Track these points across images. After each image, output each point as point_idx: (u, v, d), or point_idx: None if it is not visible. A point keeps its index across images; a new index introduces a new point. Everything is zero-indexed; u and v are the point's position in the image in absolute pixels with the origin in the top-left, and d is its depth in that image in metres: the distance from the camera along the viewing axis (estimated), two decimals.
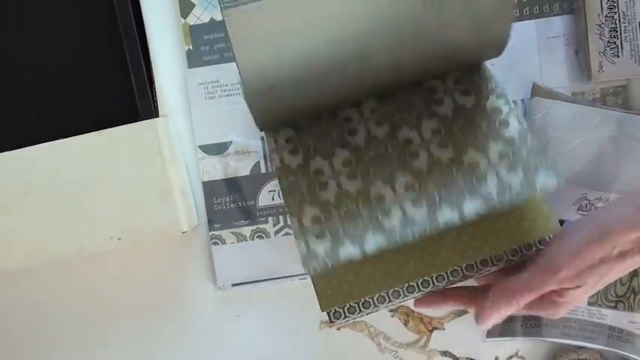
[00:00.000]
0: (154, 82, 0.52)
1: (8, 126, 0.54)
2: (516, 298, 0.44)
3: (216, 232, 0.55)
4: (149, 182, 0.51)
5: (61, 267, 0.55)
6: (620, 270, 0.43)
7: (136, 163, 0.50)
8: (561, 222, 0.52)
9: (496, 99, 0.45)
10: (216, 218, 0.55)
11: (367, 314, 0.48)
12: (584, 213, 0.52)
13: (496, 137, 0.43)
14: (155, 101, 0.52)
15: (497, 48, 0.45)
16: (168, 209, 0.51)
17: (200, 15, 0.54)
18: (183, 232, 0.50)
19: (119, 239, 0.51)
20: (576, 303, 0.45)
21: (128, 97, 0.52)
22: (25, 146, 0.51)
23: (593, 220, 0.44)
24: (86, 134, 0.50)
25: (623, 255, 0.42)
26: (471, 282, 0.48)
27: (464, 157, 0.43)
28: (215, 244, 0.55)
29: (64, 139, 0.51)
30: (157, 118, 0.51)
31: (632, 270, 0.44)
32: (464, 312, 0.56)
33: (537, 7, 0.54)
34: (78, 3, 0.53)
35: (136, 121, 0.51)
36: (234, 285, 0.55)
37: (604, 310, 0.53)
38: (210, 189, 0.55)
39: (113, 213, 0.51)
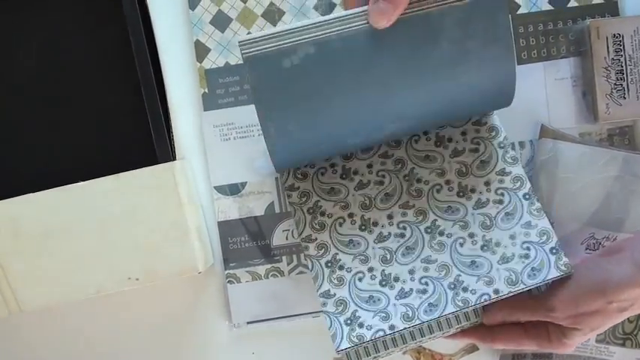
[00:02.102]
0: (171, 126, 0.53)
1: (30, 169, 0.55)
2: (514, 311, 0.49)
3: (231, 271, 0.56)
4: (167, 224, 0.52)
5: (79, 305, 0.56)
6: (619, 319, 0.45)
7: (154, 206, 0.52)
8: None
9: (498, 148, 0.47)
10: (231, 257, 0.56)
11: (382, 356, 0.49)
12: (592, 252, 0.54)
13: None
14: (172, 145, 0.53)
15: (507, 99, 0.47)
16: (185, 250, 0.52)
17: (215, 59, 0.56)
18: (199, 273, 0.51)
19: (137, 279, 0.52)
20: (579, 342, 0.47)
21: (146, 141, 0.53)
22: (45, 189, 0.52)
23: (594, 272, 0.46)
24: (105, 177, 0.51)
25: (621, 310, 0.44)
26: None
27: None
28: (230, 282, 0.56)
29: (83, 182, 0.52)
30: (174, 162, 0.52)
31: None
32: (475, 348, 0.57)
33: (545, 50, 0.56)
34: (99, 51, 0.55)
35: (154, 165, 0.51)
36: (249, 323, 0.56)
37: (612, 348, 0.54)
38: (225, 228, 0.56)
39: (132, 254, 0.52)
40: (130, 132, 0.54)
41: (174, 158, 0.53)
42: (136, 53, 0.52)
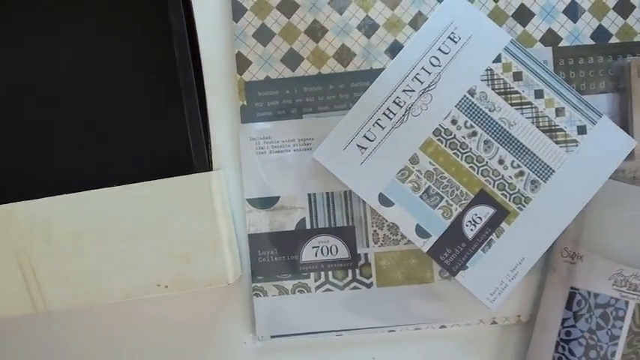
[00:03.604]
0: (209, 137, 0.54)
1: (66, 171, 0.55)
2: None
3: (258, 284, 0.56)
4: (199, 233, 0.52)
5: (103, 309, 0.56)
6: None
7: (188, 214, 0.52)
8: (595, 294, 0.53)
9: None
10: (259, 270, 0.56)
11: None
12: (619, 289, 0.54)
13: None
14: (210, 155, 0.53)
15: None
16: (216, 261, 0.52)
17: (256, 72, 0.56)
18: (230, 284, 0.52)
19: (166, 287, 0.52)
20: None
21: (184, 149, 0.53)
22: (79, 191, 0.52)
23: None
24: (140, 183, 0.51)
25: None
26: None
27: None
28: (257, 295, 0.56)
29: (118, 187, 0.52)
30: (211, 172, 0.52)
31: None
32: None
33: (584, 84, 0.56)
34: (141, 58, 0.55)
35: (190, 174, 0.52)
36: (272, 337, 0.56)
37: None
38: (255, 241, 0.56)
39: (162, 261, 0.52)
40: (168, 140, 0.54)
41: (211, 169, 0.53)
42: (179, 62, 0.52)
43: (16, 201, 0.53)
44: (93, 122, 0.55)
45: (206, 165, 0.53)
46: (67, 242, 0.53)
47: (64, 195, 0.53)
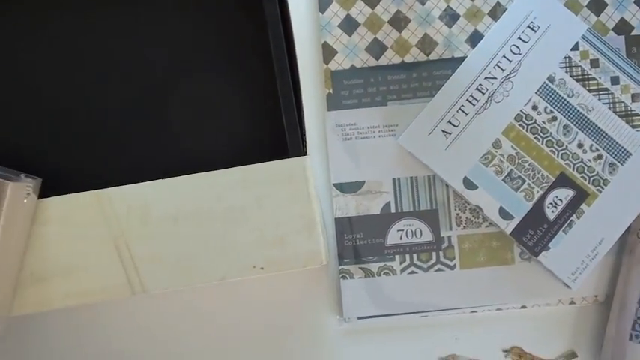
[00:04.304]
0: (303, 122, 0.55)
1: (163, 156, 0.57)
2: None
3: (345, 267, 0.58)
4: (294, 216, 0.53)
5: (192, 290, 0.57)
6: None
7: (283, 198, 0.53)
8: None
9: None
10: (345, 253, 0.58)
11: None
12: None
13: None
14: (304, 140, 0.55)
15: None
16: (311, 242, 0.54)
17: (341, 62, 0.58)
18: (323, 265, 0.53)
19: (262, 268, 0.54)
20: None
21: (278, 135, 0.55)
22: (176, 176, 0.53)
23: None
24: (237, 167, 0.53)
25: None
26: None
27: None
28: (344, 277, 0.58)
29: (215, 171, 0.54)
30: (305, 156, 0.54)
31: None
32: (574, 355, 0.59)
33: None
34: (236, 46, 0.57)
35: (284, 158, 0.53)
36: (359, 318, 0.58)
37: None
38: (341, 225, 0.58)
39: (258, 244, 0.53)
40: (263, 126, 0.56)
41: (305, 153, 0.55)
42: (273, 50, 0.54)
43: (114, 186, 0.54)
44: (189, 109, 0.57)
45: (300, 149, 0.54)
46: (164, 226, 0.54)
47: (161, 180, 0.54)
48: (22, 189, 0.51)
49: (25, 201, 0.51)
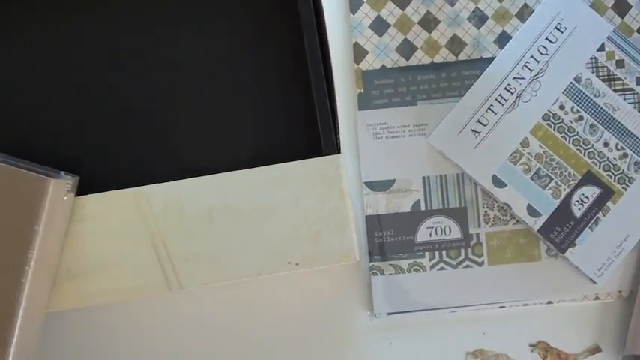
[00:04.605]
0: (337, 120, 0.56)
1: (198, 154, 0.58)
2: None
3: (375, 263, 0.59)
4: (329, 213, 0.55)
5: (226, 286, 0.59)
6: None
7: (317, 195, 0.55)
8: None
9: None
10: (376, 250, 0.59)
11: None
12: None
13: None
14: (338, 138, 0.56)
15: None
16: (345, 239, 0.55)
17: (372, 62, 0.59)
18: (356, 261, 0.54)
19: (297, 264, 0.55)
20: None
21: (312, 134, 0.56)
22: (212, 173, 0.54)
23: None
24: (271, 165, 0.54)
25: None
26: None
27: None
28: (374, 274, 0.59)
29: (249, 169, 0.55)
30: (339, 154, 0.55)
31: None
32: (598, 350, 0.60)
33: None
34: (270, 45, 0.58)
35: (319, 156, 0.54)
36: (389, 313, 0.59)
37: None
38: (372, 222, 0.59)
39: (293, 240, 0.54)
40: (297, 125, 0.57)
41: (339, 151, 0.56)
42: (307, 49, 0.55)
43: (150, 184, 0.55)
44: (225, 108, 0.58)
45: (334, 148, 0.56)
46: (200, 222, 0.55)
47: (197, 178, 0.55)
48: (62, 186, 0.52)
49: (65, 198, 0.52)
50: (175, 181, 0.55)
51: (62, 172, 0.53)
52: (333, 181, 0.55)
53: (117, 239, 0.55)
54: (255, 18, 0.58)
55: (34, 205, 0.50)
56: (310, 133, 0.57)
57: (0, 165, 0.50)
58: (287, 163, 0.55)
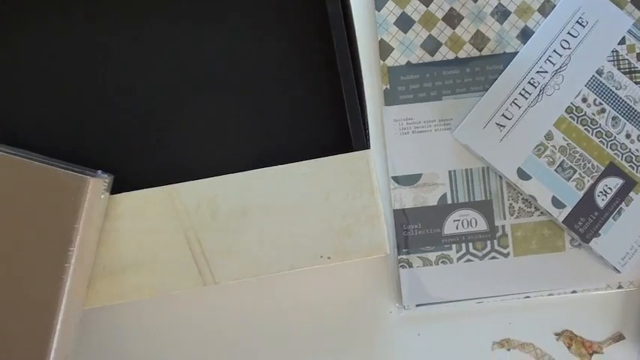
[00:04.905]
0: (366, 116, 0.57)
1: (231, 151, 0.59)
2: None
3: (404, 256, 0.60)
4: (359, 207, 0.56)
5: (260, 280, 0.60)
6: None
7: (348, 190, 0.56)
8: None
9: None
10: (403, 243, 0.60)
11: None
12: None
13: None
14: (367, 134, 0.57)
15: None
16: (375, 233, 0.56)
17: (398, 58, 0.60)
18: (387, 254, 0.55)
19: (329, 258, 0.56)
20: None
21: (342, 129, 0.57)
22: (243, 170, 0.55)
23: None
24: (303, 162, 0.55)
25: None
26: None
27: None
28: (403, 267, 0.60)
29: (282, 165, 0.56)
30: (369, 150, 0.56)
31: None
32: (621, 337, 0.62)
33: None
34: (300, 42, 0.59)
35: (349, 152, 0.55)
36: (418, 305, 0.60)
37: None
38: (399, 216, 0.60)
39: (324, 234, 0.56)
40: (327, 121, 0.58)
41: (368, 147, 0.57)
42: (336, 45, 0.56)
43: (184, 181, 0.56)
44: (255, 105, 0.59)
45: (364, 143, 0.57)
46: (233, 218, 0.56)
47: (230, 175, 0.56)
48: (99, 185, 0.53)
49: (102, 197, 0.53)
50: (209, 179, 0.56)
51: (99, 171, 0.54)
52: (363, 176, 0.56)
53: (151, 236, 0.56)
54: (283, 16, 0.59)
55: (74, 203, 0.51)
56: (339, 129, 0.58)
57: (40, 165, 0.51)
58: (317, 159, 0.56)
